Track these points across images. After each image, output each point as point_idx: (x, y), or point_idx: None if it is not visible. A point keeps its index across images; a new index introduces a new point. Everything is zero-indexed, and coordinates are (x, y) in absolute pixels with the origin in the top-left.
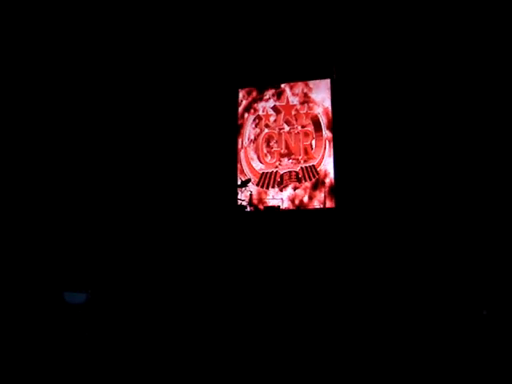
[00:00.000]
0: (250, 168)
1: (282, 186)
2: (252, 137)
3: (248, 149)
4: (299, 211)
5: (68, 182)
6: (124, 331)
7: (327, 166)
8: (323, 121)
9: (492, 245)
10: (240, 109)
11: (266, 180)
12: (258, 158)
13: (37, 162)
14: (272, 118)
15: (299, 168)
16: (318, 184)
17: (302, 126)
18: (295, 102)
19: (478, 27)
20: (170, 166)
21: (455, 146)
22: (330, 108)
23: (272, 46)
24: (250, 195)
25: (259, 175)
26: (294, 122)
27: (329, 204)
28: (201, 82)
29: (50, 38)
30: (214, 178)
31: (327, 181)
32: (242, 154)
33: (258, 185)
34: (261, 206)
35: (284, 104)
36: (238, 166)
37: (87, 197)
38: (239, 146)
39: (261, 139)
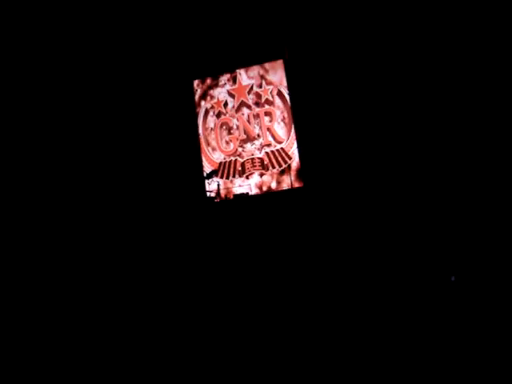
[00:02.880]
0: (206, 159)
1: (245, 174)
2: (212, 125)
3: (209, 138)
4: (269, 194)
5: None
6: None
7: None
8: (287, 98)
9: (458, 212)
10: (196, 98)
11: (226, 170)
12: (217, 147)
13: None
14: (228, 104)
15: (263, 153)
16: (284, 168)
17: (262, 106)
18: (249, 83)
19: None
20: (133, 166)
21: (410, 118)
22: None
23: (222, 32)
24: (218, 186)
25: (217, 165)
26: (251, 104)
27: (297, 185)
28: (154, 75)
29: None
30: (180, 172)
31: (294, 164)
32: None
33: (217, 175)
34: (230, 196)
35: (237, 87)
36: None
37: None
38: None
39: (218, 127)
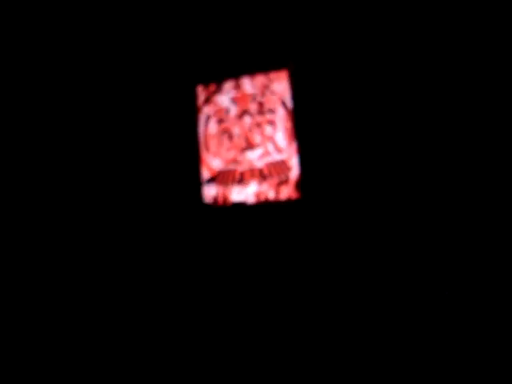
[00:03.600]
0: (205, 165)
1: (243, 183)
2: (212, 131)
3: (209, 144)
4: (266, 204)
5: None
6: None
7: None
8: (290, 109)
9: (452, 225)
10: (198, 103)
11: (224, 177)
12: (216, 154)
13: None
14: (230, 111)
15: (263, 163)
16: (283, 179)
17: (264, 116)
18: (253, 92)
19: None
20: (132, 167)
21: (417, 137)
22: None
23: (228, 39)
24: (215, 193)
25: (216, 172)
26: (254, 113)
27: (294, 196)
28: (158, 77)
29: None
30: (178, 177)
31: (293, 175)
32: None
33: (215, 182)
34: (227, 203)
35: (240, 95)
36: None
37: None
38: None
39: (219, 134)
